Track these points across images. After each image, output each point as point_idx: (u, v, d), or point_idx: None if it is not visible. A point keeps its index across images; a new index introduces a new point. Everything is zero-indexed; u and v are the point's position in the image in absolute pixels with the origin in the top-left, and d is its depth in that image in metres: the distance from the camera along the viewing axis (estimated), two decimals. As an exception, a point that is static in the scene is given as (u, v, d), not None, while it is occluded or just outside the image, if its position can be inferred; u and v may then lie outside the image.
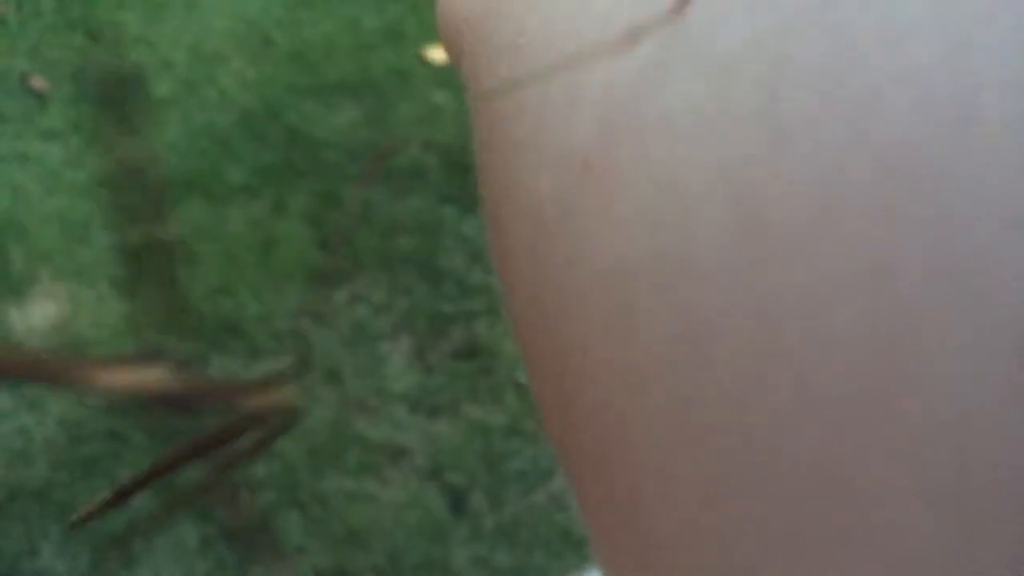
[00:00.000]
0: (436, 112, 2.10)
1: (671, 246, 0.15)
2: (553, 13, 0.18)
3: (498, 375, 1.64)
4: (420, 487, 1.47)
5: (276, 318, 1.66)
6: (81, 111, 1.93)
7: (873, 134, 0.13)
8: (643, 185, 0.16)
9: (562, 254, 0.17)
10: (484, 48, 0.20)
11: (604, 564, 0.18)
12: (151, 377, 0.40)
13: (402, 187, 1.93)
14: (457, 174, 2.01)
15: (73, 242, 1.72)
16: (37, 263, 1.68)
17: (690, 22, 0.15)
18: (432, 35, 2.29)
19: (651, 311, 0.15)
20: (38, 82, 1.97)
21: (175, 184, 1.84)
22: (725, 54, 0.15)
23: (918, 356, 0.13)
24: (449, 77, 2.25)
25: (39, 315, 1.61)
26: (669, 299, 0.15)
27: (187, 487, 1.40)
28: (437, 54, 2.28)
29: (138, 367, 0.39)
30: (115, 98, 1.97)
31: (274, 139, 1.95)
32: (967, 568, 0.12)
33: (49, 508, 1.37)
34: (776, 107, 0.14)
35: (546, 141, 0.18)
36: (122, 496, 0.42)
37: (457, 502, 1.46)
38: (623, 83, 0.16)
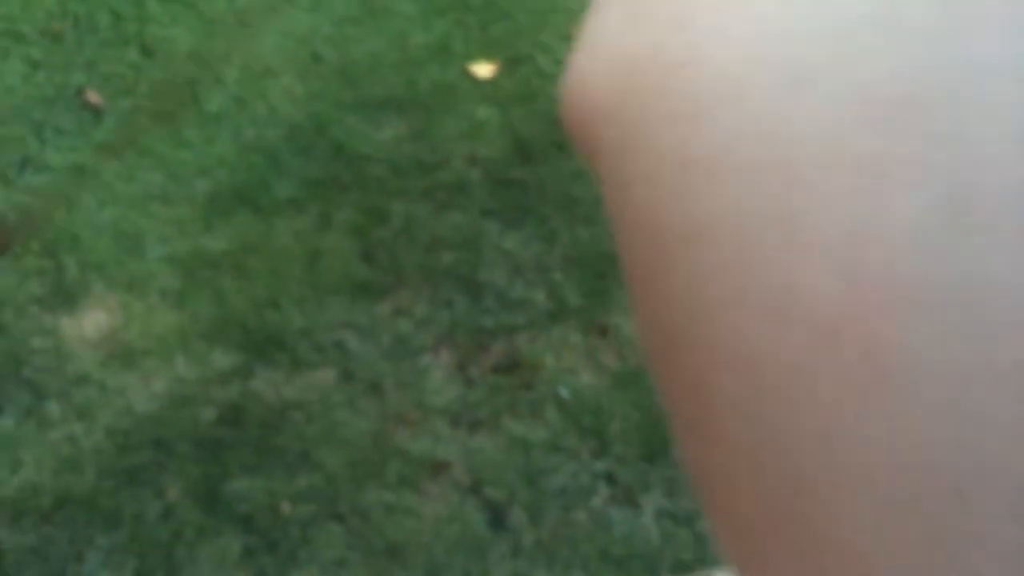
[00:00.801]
0: (480, 127, 2.11)
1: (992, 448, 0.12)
2: (755, 125, 0.15)
3: (539, 389, 1.63)
4: (460, 501, 1.47)
5: (319, 331, 1.68)
6: (135, 126, 1.98)
7: None
8: (947, 374, 0.12)
9: (814, 439, 0.14)
10: (637, 152, 0.18)
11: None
12: None
13: (445, 201, 1.94)
14: (499, 189, 2.01)
15: (125, 254, 1.75)
16: (90, 273, 1.71)
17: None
18: (477, 51, 2.31)
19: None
20: (93, 96, 2.02)
21: (224, 197, 1.87)
22: None
23: None
24: (493, 92, 2.27)
25: (91, 324, 1.65)
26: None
27: (232, 499, 1.42)
28: (482, 69, 2.29)
29: None
30: (168, 112, 2.01)
31: (321, 154, 1.98)
32: None
33: (96, 516, 1.40)
34: None
35: (753, 279, 0.15)
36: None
37: (496, 517, 1.46)
38: (885, 235, 0.13)
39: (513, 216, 1.91)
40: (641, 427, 1.59)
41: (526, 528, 1.45)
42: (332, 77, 2.14)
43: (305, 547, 1.40)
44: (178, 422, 1.52)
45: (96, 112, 2.00)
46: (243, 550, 1.39)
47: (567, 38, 2.28)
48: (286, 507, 1.44)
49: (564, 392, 1.63)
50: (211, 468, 1.47)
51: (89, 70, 2.08)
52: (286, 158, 1.97)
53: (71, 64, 2.08)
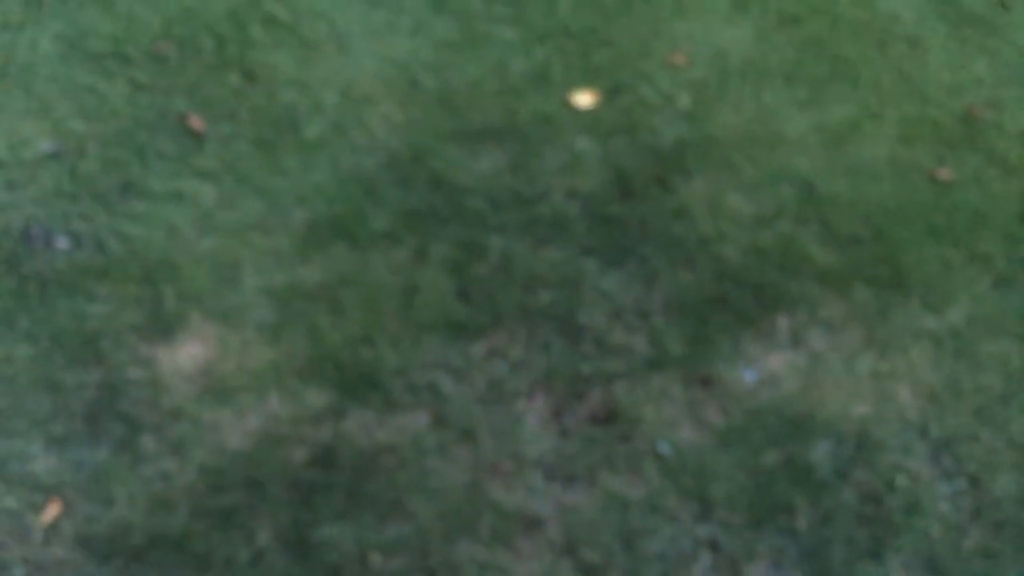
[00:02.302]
0: (579, 159, 2.05)
1: None
2: None
3: (637, 443, 1.57)
4: (554, 562, 1.41)
5: (413, 370, 1.64)
6: (235, 152, 1.98)
7: None
8: None
9: None
10: None
11: None
12: None
13: (543, 238, 1.89)
14: (599, 225, 1.95)
15: (223, 284, 1.75)
16: (187, 303, 1.71)
17: None
18: (578, 79, 2.25)
19: None
20: (196, 122, 2.03)
21: (321, 227, 1.85)
22: None
23: None
24: (593, 123, 2.20)
25: (186, 356, 1.64)
26: None
27: (322, 546, 1.39)
28: (582, 99, 2.23)
29: None
30: (267, 139, 2.01)
31: (418, 184, 1.95)
32: None
33: (186, 558, 1.38)
34: None
35: None
36: None
37: (592, 581, 1.40)
38: None
39: (613, 255, 1.85)
40: (747, 490, 1.51)
41: (623, 594, 1.38)
42: (431, 104, 2.11)
43: (395, 603, 1.36)
44: (270, 462, 1.50)
45: (197, 138, 2.00)
46: (332, 602, 1.36)
47: (670, 67, 2.21)
48: (376, 558, 1.40)
49: (664, 448, 1.55)
50: (301, 512, 1.44)
51: (191, 94, 2.08)
52: (384, 188, 1.94)
53: (174, 88, 2.09)
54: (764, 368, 1.68)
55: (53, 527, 1.41)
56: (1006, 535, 1.47)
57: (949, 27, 2.31)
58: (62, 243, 1.80)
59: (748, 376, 1.67)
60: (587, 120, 2.13)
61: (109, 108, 2.05)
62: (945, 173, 2.05)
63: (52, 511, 1.43)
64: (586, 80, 2.19)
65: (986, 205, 1.99)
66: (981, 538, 1.47)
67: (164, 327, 1.67)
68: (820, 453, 1.55)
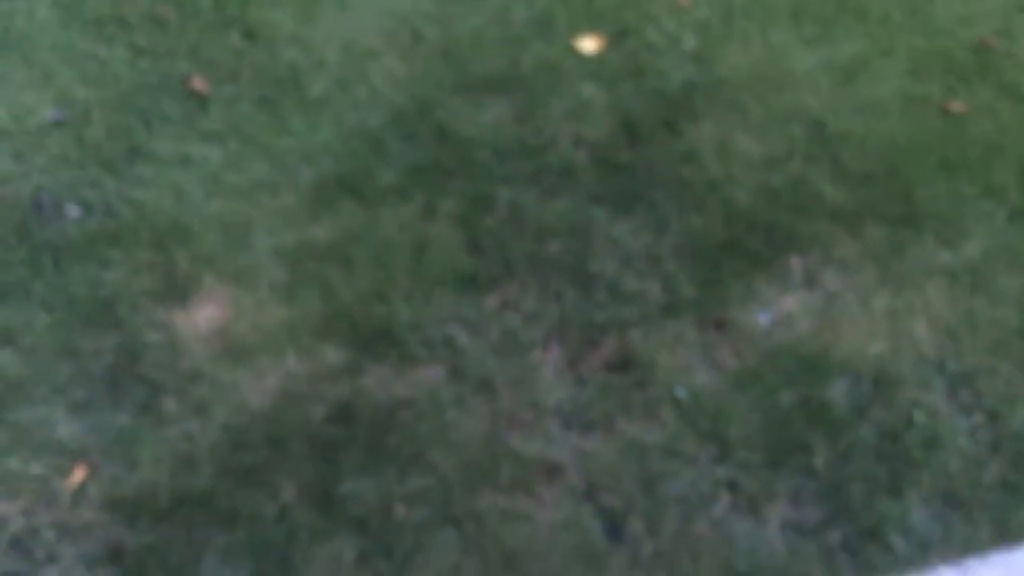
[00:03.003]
0: (586, 107, 2.02)
1: None
2: None
3: (653, 389, 1.57)
4: (575, 508, 1.43)
5: (427, 325, 1.64)
6: (239, 113, 1.96)
7: None
8: None
9: None
10: None
11: None
12: None
13: (552, 187, 1.88)
14: (607, 173, 1.94)
15: (234, 245, 1.75)
16: (200, 266, 1.71)
17: None
18: (582, 25, 2.22)
19: None
20: (198, 83, 2.01)
21: (329, 185, 1.85)
22: None
23: None
24: (599, 69, 2.17)
25: (202, 318, 1.65)
26: None
27: (346, 500, 1.41)
28: (587, 45, 2.20)
29: None
30: (271, 99, 1.99)
31: (424, 138, 1.93)
32: None
33: (213, 516, 1.40)
34: None
35: None
36: None
37: (613, 526, 1.41)
38: None
39: (622, 202, 1.84)
40: (764, 430, 1.51)
41: (644, 538, 1.40)
42: (434, 57, 2.09)
43: (420, 552, 1.38)
44: (291, 419, 1.51)
45: (201, 99, 1.99)
46: (358, 554, 1.37)
47: (675, 8, 2.17)
48: (400, 509, 1.42)
49: (680, 392, 1.56)
50: (324, 468, 1.46)
51: (193, 56, 2.07)
52: (390, 144, 1.93)
53: (175, 50, 2.08)
54: (778, 309, 1.67)
55: (80, 491, 1.43)
56: (1024, 466, 1.47)
57: (959, -44, 2.26)
58: (72, 211, 1.80)
59: (762, 318, 1.67)
60: (592, 66, 2.10)
61: (111, 73, 2.04)
62: (957, 106, 2.02)
63: (78, 475, 1.45)
64: (590, 25, 2.16)
65: (1000, 136, 1.96)
66: (1000, 470, 1.47)
67: (178, 290, 1.68)
68: (837, 392, 1.55)
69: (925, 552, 1.38)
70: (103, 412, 1.52)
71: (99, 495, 1.42)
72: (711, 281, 1.72)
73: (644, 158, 1.92)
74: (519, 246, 1.77)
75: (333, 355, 1.59)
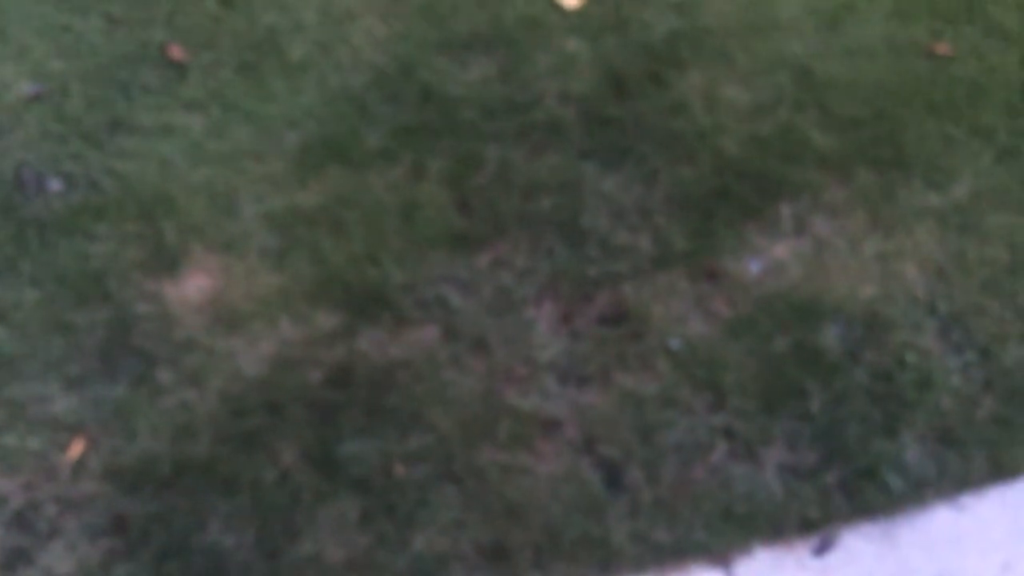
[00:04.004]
0: (570, 61, 2.01)
1: None
2: None
3: (648, 341, 1.58)
4: (574, 460, 1.44)
5: (420, 286, 1.64)
6: (219, 79, 1.94)
7: None
8: None
9: None
10: None
11: None
12: None
13: (540, 144, 1.87)
14: (595, 127, 1.92)
15: (221, 214, 1.73)
16: (188, 236, 1.70)
17: None
18: (564, -22, 2.19)
19: None
20: (176, 52, 1.98)
21: (315, 150, 1.83)
22: None
23: None
24: (582, 22, 2.15)
25: (193, 288, 1.64)
26: None
27: (346, 461, 1.42)
28: (569, -1, 2.18)
29: None
30: (251, 64, 1.97)
31: (409, 99, 1.92)
32: None
33: (215, 483, 1.41)
34: None
35: None
36: None
37: (613, 476, 1.43)
38: None
39: (611, 156, 1.83)
40: (758, 377, 1.52)
41: (643, 487, 1.41)
42: (414, 15, 2.06)
43: (423, 509, 1.39)
44: (288, 385, 1.51)
45: (180, 68, 1.97)
46: (361, 513, 1.38)
47: (657, -41, 2.14)
48: (400, 469, 1.43)
49: (674, 343, 1.57)
50: (324, 431, 1.46)
51: (169, 24, 2.03)
52: (374, 105, 1.91)
53: (151, 19, 2.04)
54: (769, 257, 1.68)
55: (80, 464, 1.43)
56: (1018, 402, 1.49)
57: None
58: (55, 185, 1.78)
59: (754, 266, 1.67)
60: (575, 20, 2.08)
61: (87, 45, 2.01)
62: (943, 47, 2.02)
63: (77, 448, 1.45)
64: (571, -21, 2.13)
65: (986, 77, 1.96)
66: (993, 407, 1.49)
67: (168, 261, 1.67)
68: (830, 336, 1.56)
69: (920, 490, 1.40)
70: (98, 385, 1.52)
71: (99, 467, 1.43)
72: (702, 232, 1.72)
73: (631, 111, 1.91)
74: (509, 204, 1.76)
75: (327, 319, 1.59)
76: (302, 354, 1.55)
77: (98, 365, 1.54)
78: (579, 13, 2.09)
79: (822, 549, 1.35)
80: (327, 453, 1.44)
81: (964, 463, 1.42)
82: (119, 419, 1.48)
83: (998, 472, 1.41)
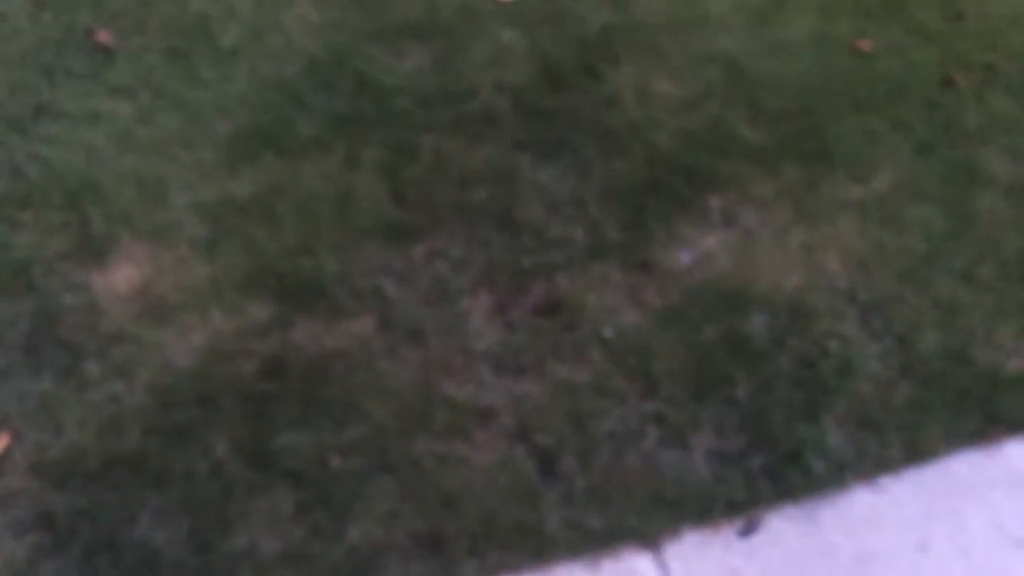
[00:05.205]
0: (506, 52, 2.02)
1: None
2: None
3: (582, 330, 1.60)
4: (509, 449, 1.46)
5: (355, 276, 1.64)
6: (148, 65, 1.90)
7: None
8: None
9: None
10: None
11: None
12: None
13: (475, 134, 1.88)
14: (530, 119, 1.93)
15: (150, 202, 1.70)
16: (116, 225, 1.67)
17: None
18: (499, -31, 2.19)
19: None
20: (104, 36, 1.94)
21: (246, 138, 1.81)
22: None
23: None
24: (518, 13, 2.16)
25: (121, 278, 1.61)
26: None
27: (281, 453, 1.41)
28: (505, -11, 2.18)
29: None
30: (181, 50, 1.93)
31: (343, 88, 1.90)
32: None
33: (145, 476, 1.39)
34: None
35: None
36: None
37: (547, 464, 1.45)
38: None
39: (546, 148, 1.85)
40: (688, 365, 1.56)
41: (577, 474, 1.44)
42: (349, 3, 2.05)
43: (358, 500, 1.39)
44: (220, 377, 1.50)
45: (107, 53, 1.92)
46: (296, 505, 1.38)
47: (591, -48, 2.16)
48: (336, 460, 1.43)
49: (608, 333, 1.59)
50: (257, 423, 1.45)
51: (96, 8, 1.99)
52: (307, 94, 1.89)
53: (77, 3, 1.99)
54: (699, 248, 1.72)
55: (4, 458, 1.40)
56: (933, 387, 1.55)
57: None
58: (-24, 172, 1.73)
59: (684, 257, 1.71)
60: (511, 11, 2.09)
61: (11, 28, 1.95)
62: (866, 45, 2.08)
63: (1, 443, 1.41)
64: (507, -30, 2.14)
65: (906, 74, 2.03)
66: (910, 392, 1.55)
67: (95, 250, 1.63)
68: (756, 325, 1.61)
69: (841, 473, 1.45)
70: (23, 379, 1.48)
71: (24, 462, 1.40)
72: (634, 223, 1.75)
73: (566, 103, 1.93)
74: (444, 194, 1.77)
75: (260, 310, 1.58)
76: (235, 345, 1.53)
77: (22, 358, 1.51)
78: (515, 4, 2.10)
79: (748, 531, 1.39)
80: (261, 445, 1.43)
81: (882, 446, 1.48)
82: (45, 413, 1.45)
83: (914, 455, 1.47)
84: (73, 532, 1.35)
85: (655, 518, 1.40)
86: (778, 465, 1.45)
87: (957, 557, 1.37)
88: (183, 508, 1.37)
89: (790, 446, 1.47)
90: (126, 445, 1.42)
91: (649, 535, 1.38)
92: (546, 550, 1.36)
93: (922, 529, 1.40)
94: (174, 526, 1.36)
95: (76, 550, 1.33)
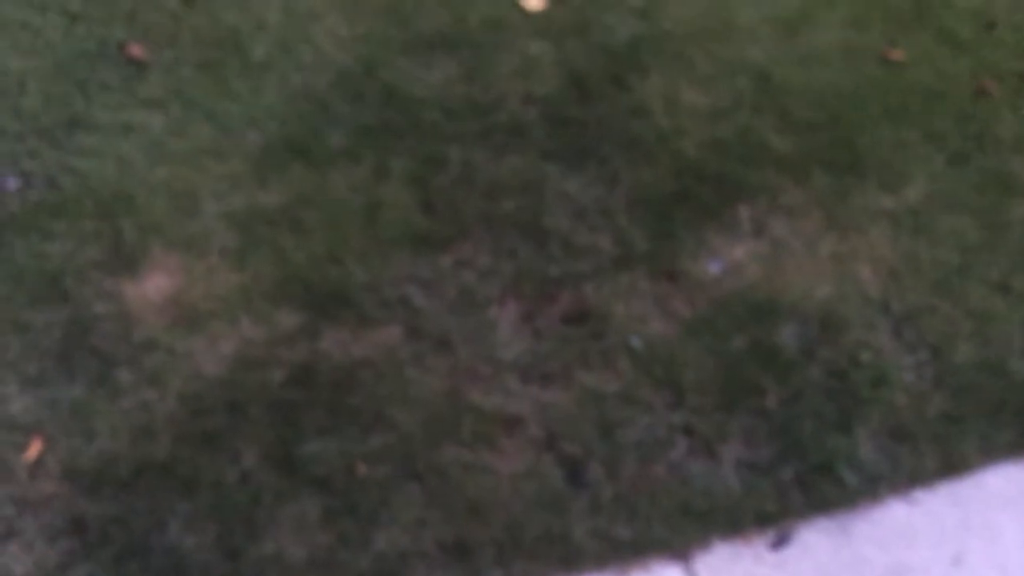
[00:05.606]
0: (533, 64, 2.02)
1: None
2: None
3: (609, 339, 1.59)
4: (536, 458, 1.45)
5: (383, 285, 1.64)
6: (180, 78, 1.92)
7: None
8: None
9: None
10: None
11: None
12: None
13: (502, 145, 1.88)
14: (557, 129, 1.94)
15: (181, 213, 1.72)
16: (148, 235, 1.69)
17: None
18: (526, -19, 2.20)
19: None
20: (136, 50, 1.97)
21: (276, 149, 1.82)
22: None
23: None
24: (545, 25, 2.16)
25: (153, 287, 1.63)
26: None
27: (308, 461, 1.41)
28: (533, 1, 2.19)
29: None
30: (212, 63, 1.95)
31: (372, 99, 1.92)
32: None
33: (174, 483, 1.40)
34: None
35: None
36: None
37: (574, 473, 1.44)
38: None
39: (573, 158, 1.85)
40: (716, 375, 1.55)
41: (604, 483, 1.43)
42: (377, 16, 2.07)
43: (385, 508, 1.39)
44: (249, 385, 1.51)
45: (140, 66, 1.95)
46: (323, 512, 1.38)
47: (619, -37, 2.17)
48: (362, 468, 1.43)
49: (635, 342, 1.58)
50: (285, 430, 1.46)
51: (129, 22, 2.02)
52: (337, 105, 1.91)
53: (111, 16, 2.03)
54: (728, 258, 1.70)
55: (37, 464, 1.42)
56: (967, 399, 1.53)
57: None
58: (12, 184, 1.76)
59: (712, 267, 1.70)
60: (539, 23, 2.09)
61: (45, 42, 1.98)
62: (897, 54, 2.06)
63: (35, 449, 1.43)
64: (534, -18, 2.15)
65: (938, 83, 2.01)
66: (944, 404, 1.53)
67: (127, 260, 1.65)
68: (786, 335, 1.59)
69: (874, 485, 1.43)
70: (56, 386, 1.50)
71: (57, 468, 1.41)
72: (662, 232, 1.74)
73: (593, 113, 1.93)
74: (472, 204, 1.77)
75: (289, 319, 1.59)
76: (263, 354, 1.54)
77: (56, 365, 1.52)
78: (542, 16, 2.11)
79: (779, 543, 1.37)
80: (288, 453, 1.43)
81: (916, 458, 1.45)
82: (77, 419, 1.46)
83: (948, 467, 1.45)
84: (104, 538, 1.36)
85: (684, 529, 1.39)
86: (809, 476, 1.43)
87: (993, 571, 1.34)
88: (212, 515, 1.38)
89: (821, 457, 1.45)
90: (156, 452, 1.43)
91: (678, 546, 1.37)
92: (573, 560, 1.35)
93: (957, 542, 1.37)
94: (203, 532, 1.36)
95: (107, 556, 1.34)
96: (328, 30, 2.04)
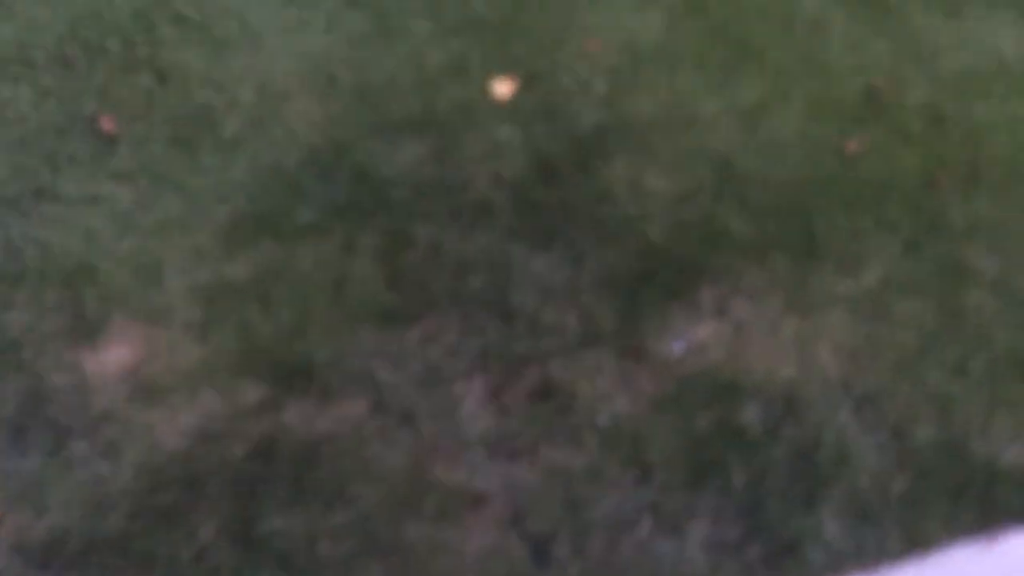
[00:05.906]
0: (502, 147, 2.07)
1: None
2: None
3: (576, 416, 1.59)
4: (502, 535, 1.42)
5: (348, 360, 1.63)
6: (150, 152, 1.94)
7: None
8: None
9: None
10: None
11: None
12: None
13: (470, 224, 1.91)
14: (525, 210, 1.97)
15: (146, 284, 1.71)
16: (110, 306, 1.67)
17: None
18: (495, 69, 2.28)
19: None
20: (107, 123, 1.98)
21: (244, 224, 1.83)
22: None
23: None
24: (513, 111, 2.23)
25: (113, 359, 1.60)
26: None
27: (269, 537, 1.38)
28: (501, 88, 2.26)
29: None
30: (183, 138, 1.97)
31: (341, 177, 1.94)
32: None
33: (128, 559, 1.35)
34: None
35: None
36: None
37: (540, 551, 1.41)
38: None
39: (540, 238, 1.88)
40: (682, 453, 1.54)
41: (570, 561, 1.40)
42: (349, 99, 2.11)
43: (346, 587, 1.35)
44: (209, 458, 1.47)
45: (110, 140, 1.96)
46: (281, 592, 1.34)
47: (585, 54, 2.25)
48: (324, 544, 1.39)
49: (602, 419, 1.58)
50: (245, 505, 1.42)
51: (102, 97, 2.04)
52: (306, 183, 1.93)
53: (83, 91, 2.04)
54: (692, 338, 1.72)
55: (-18, 540, 1.36)
56: (930, 480, 1.54)
57: (848, 10, 2.41)
58: (-27, 252, 1.74)
59: (677, 346, 1.71)
60: (507, 108, 2.15)
61: (16, 114, 1.99)
62: (852, 146, 2.14)
63: (-20, 524, 1.38)
64: (503, 69, 2.21)
65: (891, 175, 2.08)
66: (907, 485, 1.54)
67: (87, 331, 1.63)
68: (750, 414, 1.60)
69: (840, 564, 1.42)
70: (9, 458, 1.46)
71: (6, 543, 1.35)
72: (628, 312, 1.76)
73: (560, 196, 1.97)
74: (439, 281, 1.78)
75: (252, 392, 1.57)
76: (225, 427, 1.51)
77: (9, 437, 1.48)
78: (511, 102, 2.17)
79: (747, 625, 1.36)
80: (248, 529, 1.40)
81: (880, 538, 1.45)
82: (29, 493, 1.41)
83: (912, 546, 1.45)
84: (48, 618, 1.30)
85: (651, 610, 1.36)
86: (776, 555, 1.42)
87: (962, 653, 1.33)
88: (165, 593, 1.33)
89: (788, 536, 1.45)
90: (110, 527, 1.38)
91: (645, 627, 1.34)
92: (539, 642, 1.32)
93: (925, 624, 1.36)
94: (154, 612, 1.31)
95: (50, 637, 1.28)
96: (300, 111, 2.08)
